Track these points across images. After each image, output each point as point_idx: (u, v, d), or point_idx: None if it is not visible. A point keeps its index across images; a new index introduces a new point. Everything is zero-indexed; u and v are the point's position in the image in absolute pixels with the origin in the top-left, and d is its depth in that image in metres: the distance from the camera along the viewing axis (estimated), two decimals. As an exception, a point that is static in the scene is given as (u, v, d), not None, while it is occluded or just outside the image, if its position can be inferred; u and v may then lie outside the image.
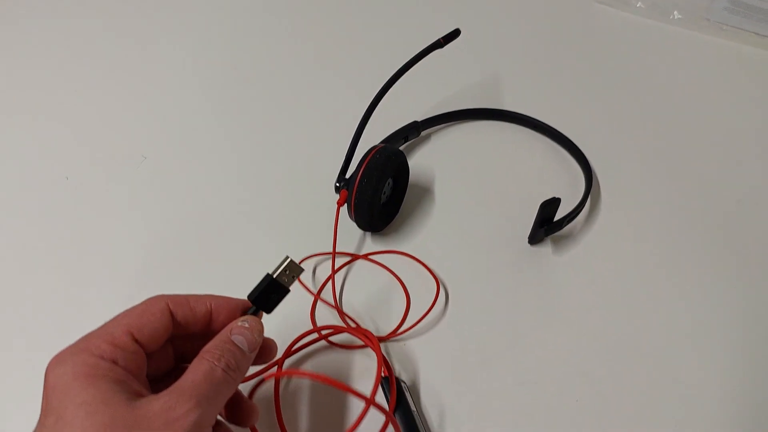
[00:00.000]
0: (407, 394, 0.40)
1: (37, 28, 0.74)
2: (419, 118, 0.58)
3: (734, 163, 0.57)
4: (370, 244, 0.50)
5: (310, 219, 0.52)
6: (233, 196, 0.54)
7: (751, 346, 0.44)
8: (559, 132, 0.58)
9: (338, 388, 0.34)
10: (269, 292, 0.34)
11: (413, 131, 0.57)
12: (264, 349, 0.33)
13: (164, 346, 0.31)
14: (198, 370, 0.28)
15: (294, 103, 0.64)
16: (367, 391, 0.40)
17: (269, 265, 0.35)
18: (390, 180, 0.49)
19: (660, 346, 0.44)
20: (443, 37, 0.54)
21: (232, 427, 0.33)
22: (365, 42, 0.72)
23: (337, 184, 0.48)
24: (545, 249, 0.50)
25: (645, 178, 0.56)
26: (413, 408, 0.39)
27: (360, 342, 0.43)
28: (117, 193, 0.55)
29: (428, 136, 0.60)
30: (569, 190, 0.54)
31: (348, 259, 0.49)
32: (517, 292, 0.47)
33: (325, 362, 0.43)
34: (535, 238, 0.49)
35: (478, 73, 0.67)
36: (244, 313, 0.33)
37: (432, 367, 0.43)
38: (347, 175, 0.49)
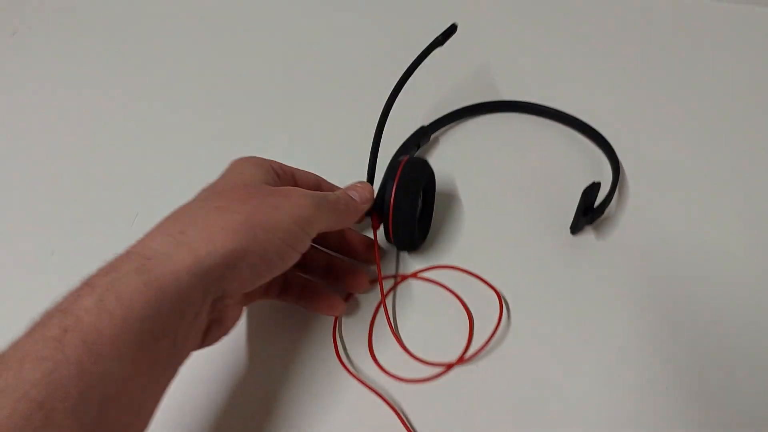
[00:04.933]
0: None
1: None
2: (424, 123, 0.55)
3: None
4: (411, 263, 0.47)
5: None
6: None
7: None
8: (569, 115, 0.57)
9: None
10: None
11: (424, 137, 0.55)
12: (357, 274, 0.44)
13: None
14: (331, 194, 0.40)
15: (287, 127, 0.60)
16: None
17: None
18: (421, 193, 0.46)
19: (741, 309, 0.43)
20: (441, 35, 0.51)
21: None
22: (351, 53, 0.69)
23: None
24: (588, 236, 0.48)
25: (664, 150, 0.55)
26: None
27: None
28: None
29: (435, 139, 0.57)
30: (590, 174, 0.53)
31: (393, 282, 0.46)
32: (576, 285, 0.45)
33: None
34: (577, 227, 0.48)
35: (469, 66, 0.64)
36: None
37: (510, 386, 0.41)
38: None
